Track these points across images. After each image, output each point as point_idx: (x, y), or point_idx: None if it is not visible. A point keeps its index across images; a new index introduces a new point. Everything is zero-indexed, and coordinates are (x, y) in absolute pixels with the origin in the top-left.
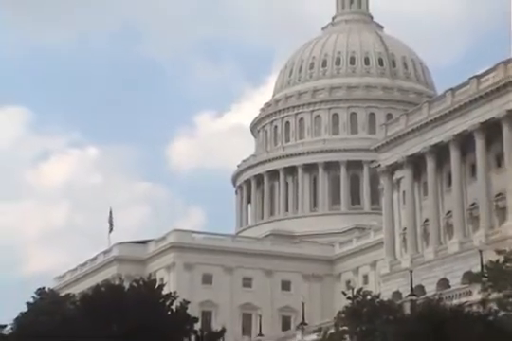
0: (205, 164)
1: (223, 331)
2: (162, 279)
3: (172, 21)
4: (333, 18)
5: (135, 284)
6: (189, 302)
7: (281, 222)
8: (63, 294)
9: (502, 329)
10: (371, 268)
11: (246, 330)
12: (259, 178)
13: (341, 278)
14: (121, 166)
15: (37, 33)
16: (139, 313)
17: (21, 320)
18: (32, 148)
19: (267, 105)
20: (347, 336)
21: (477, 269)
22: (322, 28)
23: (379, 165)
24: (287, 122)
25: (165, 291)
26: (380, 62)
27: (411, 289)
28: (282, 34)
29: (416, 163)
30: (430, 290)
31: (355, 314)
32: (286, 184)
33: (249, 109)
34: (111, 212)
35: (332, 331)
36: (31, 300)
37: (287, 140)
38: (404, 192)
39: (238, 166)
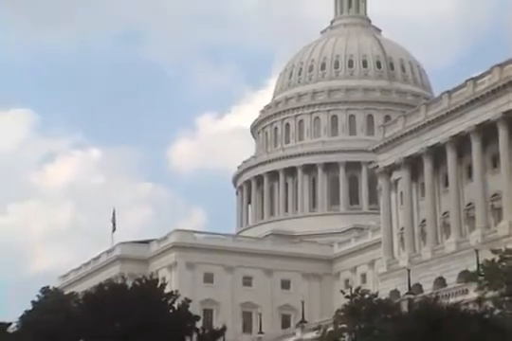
0: (206, 165)
1: (224, 329)
2: (164, 278)
3: (173, 23)
4: (331, 22)
5: (137, 283)
6: (190, 301)
7: (280, 222)
8: (67, 292)
9: (497, 327)
10: (369, 267)
11: (246, 328)
12: (259, 179)
13: (340, 277)
14: (124, 167)
15: (37, 34)
16: (142, 311)
17: (26, 318)
18: (37, 150)
19: (267, 107)
20: (346, 334)
21: (473, 268)
22: (321, 32)
23: (377, 166)
24: (287, 124)
25: (167, 290)
26: (378, 65)
27: (409, 287)
28: (281, 37)
29: (414, 164)
30: (427, 288)
31: (353, 313)
32: (286, 184)
33: (250, 111)
34: (114, 212)
35: (331, 328)
36: (36, 299)
37: (287, 141)
38: (401, 193)
39: (238, 167)
